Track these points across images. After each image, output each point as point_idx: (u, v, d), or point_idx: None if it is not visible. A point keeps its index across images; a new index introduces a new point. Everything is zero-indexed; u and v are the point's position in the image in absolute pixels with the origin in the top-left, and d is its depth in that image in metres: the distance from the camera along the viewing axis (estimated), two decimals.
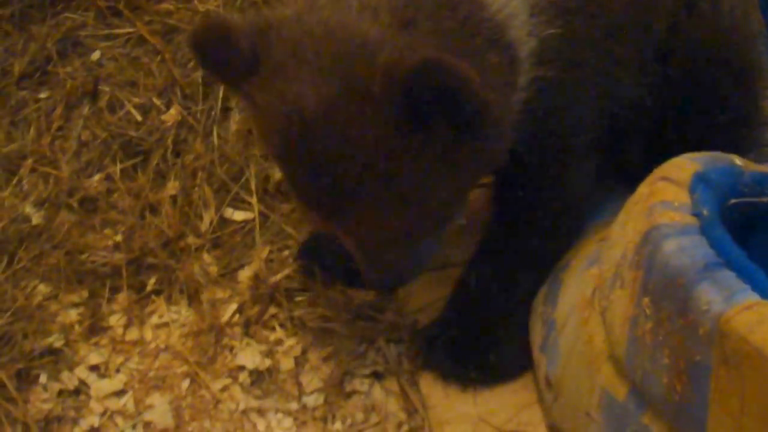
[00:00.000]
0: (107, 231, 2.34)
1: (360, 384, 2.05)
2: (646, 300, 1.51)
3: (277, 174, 2.35)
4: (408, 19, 1.64)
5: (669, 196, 1.54)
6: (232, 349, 2.13)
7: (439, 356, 2.01)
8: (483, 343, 1.98)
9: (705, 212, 1.51)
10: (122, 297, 2.24)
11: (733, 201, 1.56)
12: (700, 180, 1.56)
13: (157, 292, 2.25)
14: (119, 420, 2.05)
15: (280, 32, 1.67)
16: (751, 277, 1.42)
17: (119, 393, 2.09)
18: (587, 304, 1.73)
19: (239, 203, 2.37)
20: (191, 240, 2.30)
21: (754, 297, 1.38)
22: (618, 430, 1.61)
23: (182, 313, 2.21)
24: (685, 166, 1.59)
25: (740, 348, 1.36)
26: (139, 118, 2.50)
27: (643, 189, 1.62)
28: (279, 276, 2.22)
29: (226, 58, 1.68)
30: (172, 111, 2.49)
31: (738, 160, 1.61)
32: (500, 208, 1.98)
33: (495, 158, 1.79)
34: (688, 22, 1.96)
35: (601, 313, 1.67)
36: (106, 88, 2.56)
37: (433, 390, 1.99)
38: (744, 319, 1.36)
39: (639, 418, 1.57)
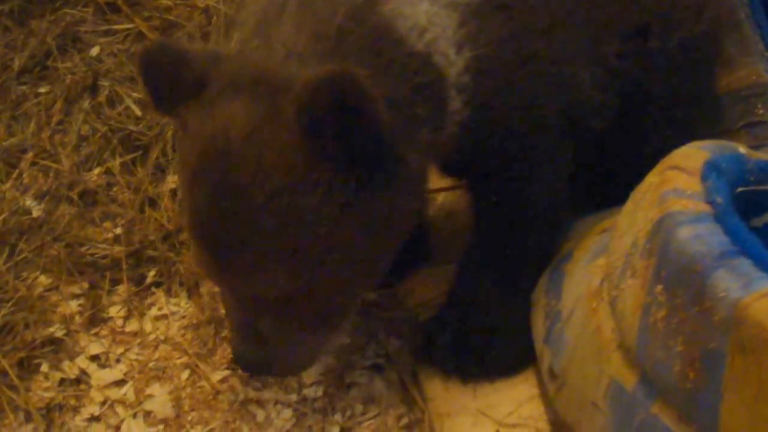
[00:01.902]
0: (107, 224, 2.36)
1: (360, 376, 2.07)
2: (659, 288, 1.51)
3: None
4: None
5: (681, 185, 1.54)
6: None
7: (439, 352, 2.01)
8: (483, 338, 1.99)
9: (719, 200, 1.51)
10: (122, 289, 2.26)
11: (740, 189, 1.56)
12: (712, 168, 1.56)
13: (157, 285, 2.27)
14: (119, 409, 2.07)
15: (224, 65, 1.69)
16: (766, 264, 1.42)
17: (119, 383, 2.11)
18: (595, 294, 1.73)
19: None
20: None
21: None
22: (625, 419, 1.61)
23: (182, 306, 2.23)
24: (694, 154, 1.59)
25: (758, 335, 1.36)
26: (138, 112, 2.52)
27: (652, 178, 1.62)
28: None
29: (175, 80, 1.68)
30: None
31: (742, 148, 1.62)
32: (481, 207, 1.98)
33: (406, 221, 1.77)
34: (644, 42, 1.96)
35: (611, 303, 1.67)
36: (106, 83, 2.58)
37: (432, 383, 2.00)
38: (762, 306, 1.36)
39: (648, 407, 1.57)
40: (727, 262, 1.42)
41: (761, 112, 2.21)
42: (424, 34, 1.72)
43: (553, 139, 1.91)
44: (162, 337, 2.18)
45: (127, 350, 2.16)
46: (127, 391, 2.09)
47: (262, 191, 1.61)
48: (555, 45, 1.84)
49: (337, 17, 1.67)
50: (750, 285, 1.39)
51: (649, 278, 1.54)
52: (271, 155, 1.61)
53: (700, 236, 1.47)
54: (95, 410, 2.06)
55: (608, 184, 1.98)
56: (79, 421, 2.04)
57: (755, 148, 1.74)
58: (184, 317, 2.21)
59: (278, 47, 1.67)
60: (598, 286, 1.73)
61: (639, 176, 1.69)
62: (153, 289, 2.27)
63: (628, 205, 1.69)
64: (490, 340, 1.98)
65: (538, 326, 1.91)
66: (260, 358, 1.81)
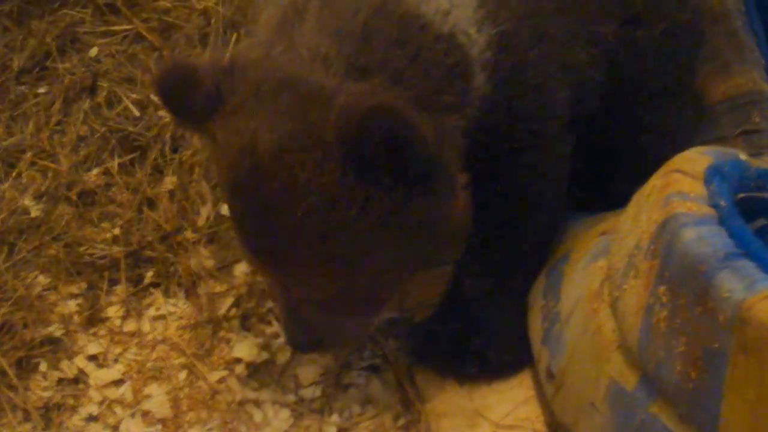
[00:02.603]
0: (105, 224, 2.36)
1: (357, 377, 2.08)
2: (662, 288, 1.52)
3: None
4: (360, 67, 1.66)
5: (685, 188, 1.55)
6: (228, 341, 2.15)
7: (436, 352, 2.02)
8: (480, 338, 1.99)
9: (722, 203, 1.52)
10: (120, 289, 2.26)
11: (741, 195, 1.57)
12: (715, 172, 1.57)
13: (155, 285, 2.28)
14: (118, 409, 2.07)
15: (244, 73, 1.69)
16: None
17: (117, 382, 2.11)
18: (595, 296, 1.74)
19: None
20: (188, 234, 2.32)
21: None
22: (625, 420, 1.62)
23: (179, 306, 2.24)
24: (697, 159, 1.60)
25: (761, 335, 1.37)
26: (136, 113, 2.52)
27: (655, 181, 1.63)
28: None
29: (190, 97, 1.70)
30: None
31: (742, 155, 1.63)
32: (482, 204, 1.99)
33: (445, 220, 1.79)
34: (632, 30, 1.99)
35: (612, 304, 1.68)
36: (104, 84, 2.58)
37: (429, 384, 2.01)
38: (766, 307, 1.37)
39: (648, 408, 1.58)
40: (732, 264, 1.44)
41: (758, 120, 2.22)
42: (447, 16, 1.74)
43: (559, 128, 1.92)
44: (160, 338, 2.18)
45: (125, 350, 2.17)
46: (125, 390, 2.10)
47: (298, 208, 1.64)
48: (562, 27, 1.87)
49: (361, 14, 1.68)
50: (754, 286, 1.40)
51: (652, 279, 1.55)
52: (305, 174, 1.62)
53: (705, 238, 1.48)
54: (93, 410, 2.06)
55: (601, 181, 2.04)
56: (77, 420, 2.05)
57: (752, 156, 1.75)
58: (181, 318, 2.22)
59: (302, 50, 1.67)
60: (598, 287, 1.74)
61: (633, 171, 1.74)
62: (151, 289, 2.27)
63: (631, 208, 1.70)
64: (486, 341, 1.98)
65: (536, 327, 1.92)
66: (310, 339, 1.88)
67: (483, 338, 1.99)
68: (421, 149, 1.59)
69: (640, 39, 1.98)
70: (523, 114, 1.86)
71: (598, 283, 1.75)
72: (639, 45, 1.98)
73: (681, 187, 1.56)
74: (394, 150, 1.57)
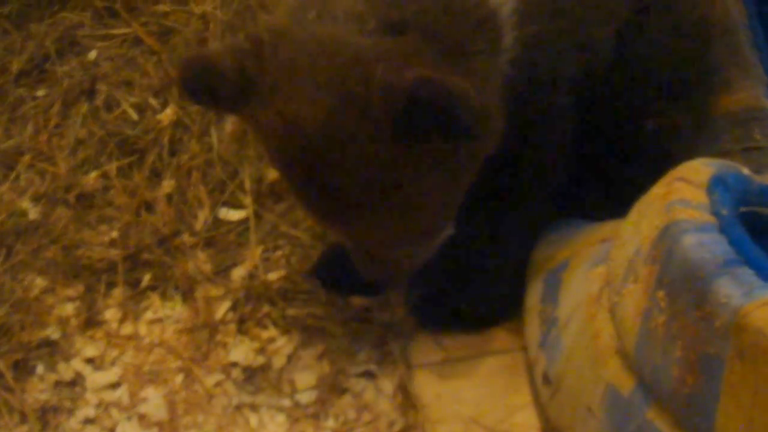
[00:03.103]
0: (103, 227, 2.36)
1: (353, 383, 2.08)
2: (660, 293, 1.52)
3: (271, 175, 2.38)
4: (394, 22, 1.67)
5: (687, 196, 1.56)
6: (225, 345, 2.15)
7: (420, 305, 2.10)
8: (462, 295, 2.07)
9: (724, 212, 1.52)
10: (117, 292, 2.26)
11: (743, 209, 1.57)
12: (718, 182, 1.57)
13: (152, 288, 2.27)
14: (114, 412, 2.07)
15: (275, 49, 1.68)
16: None
17: (114, 385, 2.11)
18: (594, 301, 1.75)
19: (234, 203, 2.39)
20: (186, 238, 2.32)
21: None
22: (620, 425, 1.63)
23: (177, 310, 2.23)
24: (701, 169, 1.61)
25: (757, 342, 1.37)
26: (135, 117, 2.52)
27: (658, 189, 1.64)
28: (272, 275, 2.24)
29: (215, 88, 1.69)
30: (168, 111, 2.51)
31: (745, 170, 1.63)
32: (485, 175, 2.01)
33: (489, 149, 1.84)
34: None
35: (610, 309, 1.69)
36: (103, 87, 2.58)
37: (424, 390, 2.01)
38: (763, 315, 1.37)
39: (643, 413, 1.58)
40: (730, 270, 1.44)
41: (758, 137, 2.22)
42: None
43: (566, 103, 1.96)
44: (157, 341, 2.18)
45: (122, 353, 2.17)
46: (122, 393, 2.10)
47: (356, 178, 1.68)
48: (585, 4, 1.90)
49: None
50: (752, 293, 1.40)
51: (651, 284, 1.56)
52: (356, 147, 1.65)
53: (705, 244, 1.49)
54: (90, 412, 2.06)
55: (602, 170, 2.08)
56: (74, 423, 2.05)
57: (753, 173, 1.76)
58: (178, 321, 2.22)
59: (338, 13, 1.68)
60: (597, 292, 1.75)
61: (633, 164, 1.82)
62: (148, 292, 2.27)
63: (633, 215, 1.71)
64: (468, 298, 2.07)
65: (534, 332, 1.93)
66: (386, 275, 1.96)
67: (465, 295, 2.07)
68: (465, 110, 1.60)
69: (651, 28, 2.01)
70: (539, 84, 1.90)
71: (597, 288, 1.76)
72: (648, 34, 2.01)
73: (683, 195, 1.57)
74: (441, 116, 1.60)
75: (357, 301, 2.18)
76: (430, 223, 1.86)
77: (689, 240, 1.50)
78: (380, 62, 1.62)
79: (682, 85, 2.12)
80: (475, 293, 2.08)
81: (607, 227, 1.93)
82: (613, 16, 1.97)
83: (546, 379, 1.84)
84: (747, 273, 1.44)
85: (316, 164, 1.68)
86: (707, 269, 1.45)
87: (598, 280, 1.77)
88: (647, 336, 1.56)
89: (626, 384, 1.63)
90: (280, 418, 2.04)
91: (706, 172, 1.61)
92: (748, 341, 1.39)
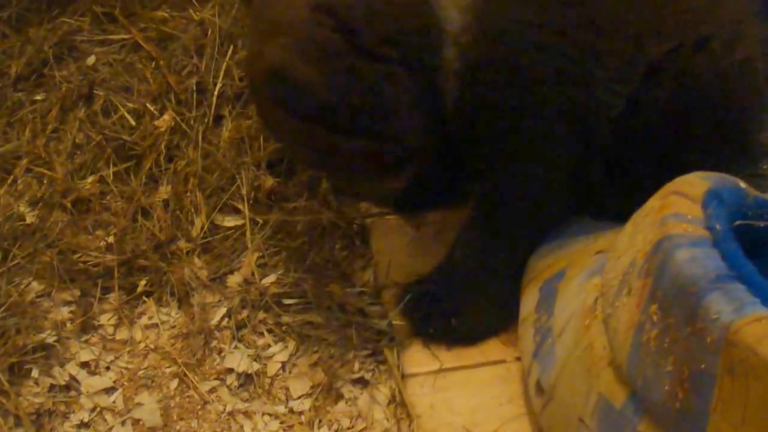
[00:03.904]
0: (99, 232, 2.37)
1: (347, 390, 2.09)
2: (653, 307, 1.53)
3: (267, 182, 2.39)
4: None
5: (682, 209, 1.57)
6: (220, 351, 2.16)
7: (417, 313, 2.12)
8: (452, 304, 2.10)
9: (718, 227, 1.53)
10: (113, 297, 2.26)
11: (738, 222, 1.58)
12: (713, 197, 1.58)
13: (148, 294, 2.28)
14: (108, 416, 2.07)
15: None
16: (761, 292, 1.44)
17: (109, 390, 2.12)
18: (588, 312, 1.75)
19: (230, 209, 2.40)
20: (182, 244, 2.33)
21: (764, 310, 1.40)
22: None
23: (172, 315, 2.24)
24: (697, 182, 1.61)
25: (747, 358, 1.38)
26: (132, 122, 2.53)
27: (653, 202, 1.64)
28: (268, 282, 2.25)
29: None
30: (166, 117, 2.52)
31: (742, 183, 1.64)
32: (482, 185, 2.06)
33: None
34: (694, 55, 1.94)
35: (604, 321, 1.70)
36: (101, 93, 2.59)
37: (418, 399, 2.02)
38: (753, 331, 1.38)
39: (635, 425, 1.59)
40: (722, 286, 1.45)
41: (766, 167, 2.26)
42: None
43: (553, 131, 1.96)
44: (152, 346, 2.19)
45: (116, 358, 2.17)
46: (116, 398, 2.10)
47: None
48: (580, 46, 1.89)
49: None
50: (742, 309, 1.41)
51: (644, 297, 1.56)
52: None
53: (697, 259, 1.49)
54: (84, 417, 2.07)
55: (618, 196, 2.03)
56: (68, 427, 2.05)
57: None
58: (174, 327, 2.22)
59: None
60: (592, 304, 1.76)
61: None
62: (144, 298, 2.27)
63: (628, 227, 1.72)
64: (457, 308, 2.09)
65: (528, 341, 1.93)
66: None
67: (455, 305, 2.09)
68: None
69: (694, 65, 1.95)
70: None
71: (592, 299, 1.77)
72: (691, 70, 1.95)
73: (678, 209, 1.58)
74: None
75: (350, 303, 2.19)
76: None
77: (682, 255, 1.51)
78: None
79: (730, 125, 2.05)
80: (467, 309, 2.09)
81: (605, 239, 1.94)
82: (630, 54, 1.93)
83: (539, 389, 1.85)
84: (738, 289, 1.45)
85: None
86: (699, 284, 1.46)
87: (593, 291, 1.78)
88: (640, 349, 1.57)
89: (619, 396, 1.64)
90: (274, 424, 2.04)
91: (702, 185, 1.62)
92: (738, 357, 1.40)
